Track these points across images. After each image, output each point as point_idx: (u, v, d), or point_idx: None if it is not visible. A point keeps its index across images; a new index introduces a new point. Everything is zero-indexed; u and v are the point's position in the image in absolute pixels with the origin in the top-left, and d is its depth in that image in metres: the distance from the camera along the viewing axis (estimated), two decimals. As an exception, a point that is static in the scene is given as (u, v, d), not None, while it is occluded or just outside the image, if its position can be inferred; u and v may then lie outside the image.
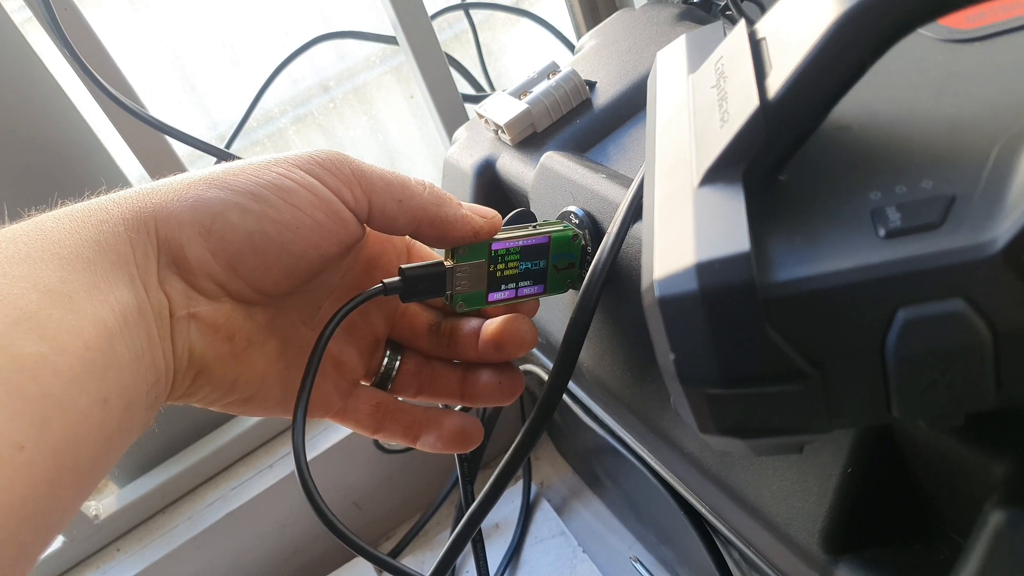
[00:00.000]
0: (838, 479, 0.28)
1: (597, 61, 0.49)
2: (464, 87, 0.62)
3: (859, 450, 0.27)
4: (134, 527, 0.66)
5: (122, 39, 0.60)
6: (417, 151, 0.84)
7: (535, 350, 0.50)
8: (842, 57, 0.20)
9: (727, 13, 0.47)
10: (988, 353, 0.19)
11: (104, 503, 0.66)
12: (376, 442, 0.58)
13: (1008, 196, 0.19)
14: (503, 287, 0.36)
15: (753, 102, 0.21)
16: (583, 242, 0.38)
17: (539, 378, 0.55)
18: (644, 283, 0.22)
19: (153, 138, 0.53)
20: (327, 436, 0.63)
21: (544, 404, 0.34)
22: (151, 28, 0.68)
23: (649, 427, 0.37)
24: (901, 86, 0.24)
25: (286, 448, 0.66)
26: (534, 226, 0.37)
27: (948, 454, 0.25)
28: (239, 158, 0.32)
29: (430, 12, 0.58)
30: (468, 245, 0.35)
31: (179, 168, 0.55)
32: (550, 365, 0.49)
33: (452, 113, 0.60)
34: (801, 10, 0.21)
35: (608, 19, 0.52)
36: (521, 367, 0.58)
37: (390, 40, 0.60)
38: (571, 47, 0.66)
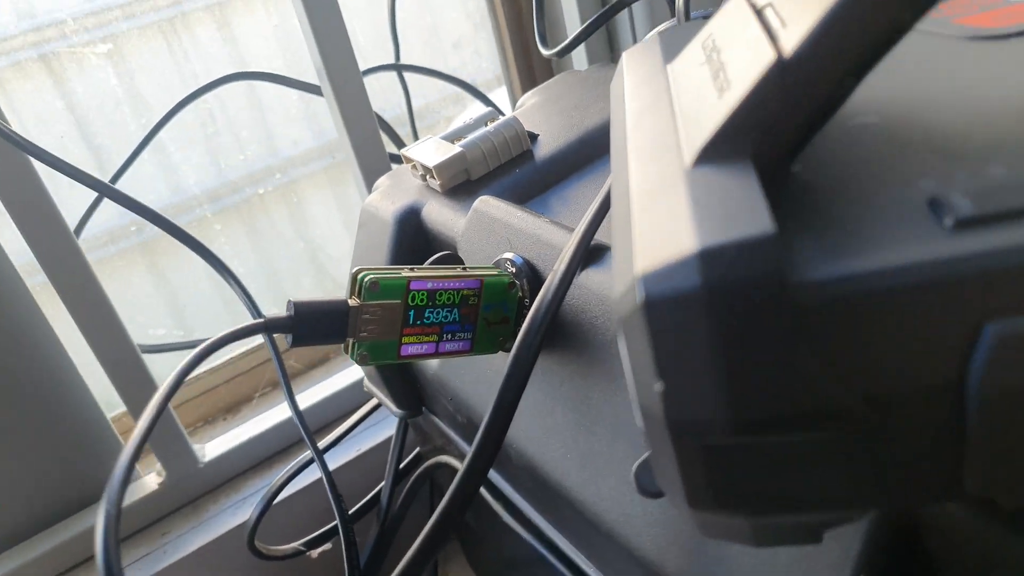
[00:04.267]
0: (844, 590, 0.21)
1: (540, 116, 0.44)
2: (389, 148, 0.57)
3: (874, 546, 0.21)
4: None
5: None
6: (342, 250, 0.79)
7: (449, 430, 0.43)
8: (880, 7, 0.15)
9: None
10: (1107, 390, 0.13)
11: None
12: (251, 545, 0.48)
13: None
14: (420, 338, 0.29)
15: (767, 57, 0.16)
16: (520, 293, 0.32)
17: (452, 469, 0.47)
18: (619, 288, 0.16)
19: (14, 160, 0.44)
20: (192, 537, 0.53)
21: (456, 496, 0.26)
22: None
23: (593, 523, 0.29)
24: (927, 79, 0.20)
25: (141, 550, 0.55)
26: (463, 268, 0.31)
27: (1002, 554, 0.19)
28: (121, 192, 0.25)
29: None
30: (380, 279, 0.28)
31: (44, 198, 0.46)
32: (467, 449, 0.42)
33: (376, 171, 0.54)
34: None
35: (552, 79, 0.49)
36: (434, 459, 0.50)
37: (313, 89, 0.55)
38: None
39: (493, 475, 0.40)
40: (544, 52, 0.52)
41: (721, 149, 0.16)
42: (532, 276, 0.32)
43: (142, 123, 0.61)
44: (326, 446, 0.49)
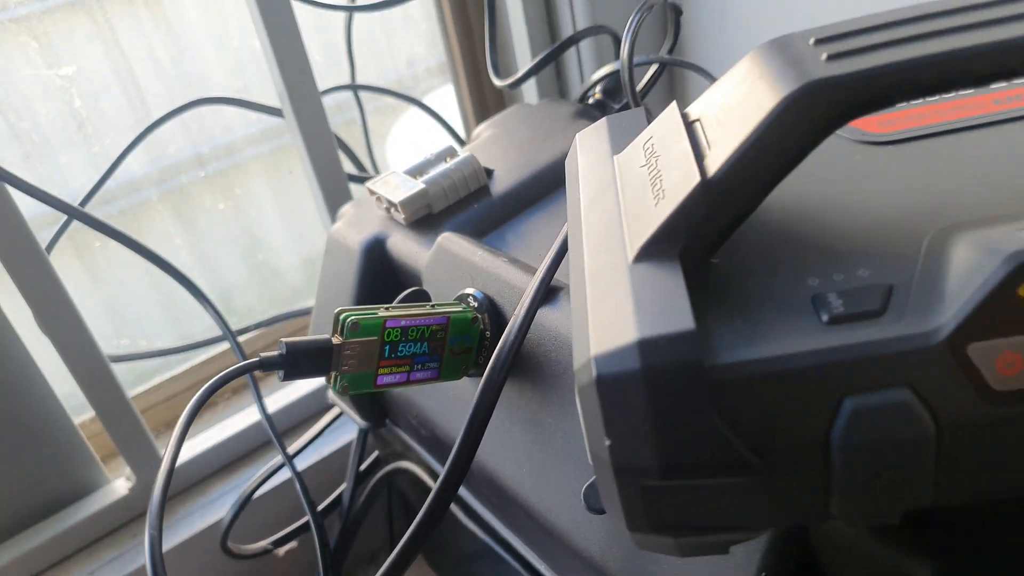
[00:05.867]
0: (751, 585, 0.26)
1: (495, 150, 0.48)
2: (348, 168, 0.60)
3: (773, 552, 0.26)
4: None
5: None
6: (282, 240, 0.80)
7: (412, 441, 0.47)
8: (787, 137, 0.20)
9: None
10: (930, 446, 0.18)
11: None
12: (224, 544, 0.51)
13: (946, 287, 0.18)
14: (394, 369, 0.33)
15: (694, 178, 0.21)
16: (482, 326, 0.36)
17: (414, 478, 0.51)
18: (577, 361, 0.20)
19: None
20: (163, 539, 0.55)
21: (429, 514, 0.30)
22: None
23: (545, 528, 0.34)
24: (823, 180, 0.24)
25: (112, 552, 0.57)
26: (432, 305, 0.35)
27: (868, 558, 0.24)
28: (94, 218, 0.28)
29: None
30: (360, 319, 0.32)
31: (18, 224, 0.48)
32: (432, 462, 0.46)
33: (336, 191, 0.57)
34: (741, 92, 0.21)
35: (505, 112, 0.53)
36: (394, 464, 0.54)
37: (275, 112, 0.58)
38: (458, 138, 0.66)
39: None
40: (497, 83, 0.56)
41: (655, 250, 0.21)
42: (492, 311, 0.36)
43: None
44: (295, 451, 0.53)
